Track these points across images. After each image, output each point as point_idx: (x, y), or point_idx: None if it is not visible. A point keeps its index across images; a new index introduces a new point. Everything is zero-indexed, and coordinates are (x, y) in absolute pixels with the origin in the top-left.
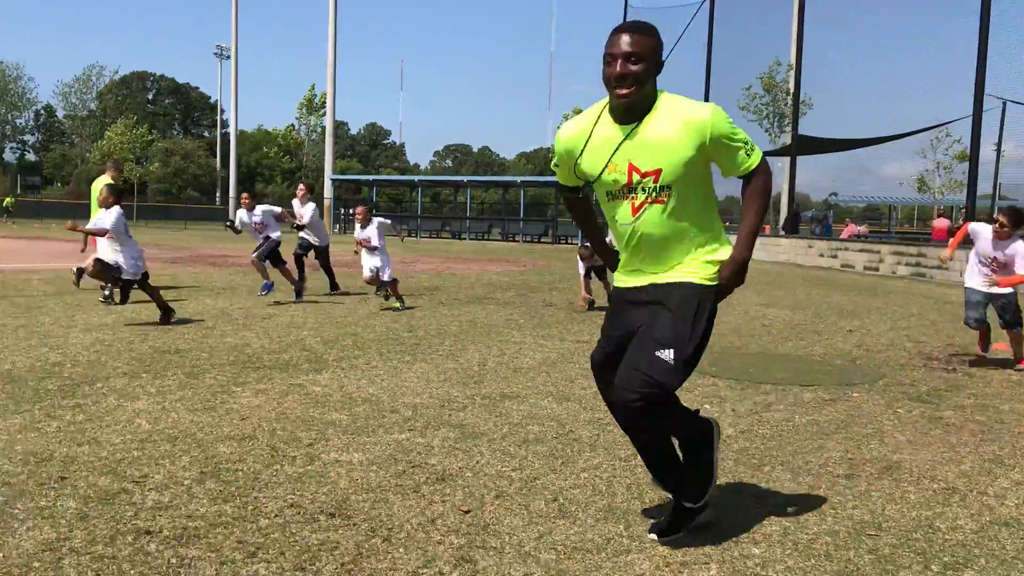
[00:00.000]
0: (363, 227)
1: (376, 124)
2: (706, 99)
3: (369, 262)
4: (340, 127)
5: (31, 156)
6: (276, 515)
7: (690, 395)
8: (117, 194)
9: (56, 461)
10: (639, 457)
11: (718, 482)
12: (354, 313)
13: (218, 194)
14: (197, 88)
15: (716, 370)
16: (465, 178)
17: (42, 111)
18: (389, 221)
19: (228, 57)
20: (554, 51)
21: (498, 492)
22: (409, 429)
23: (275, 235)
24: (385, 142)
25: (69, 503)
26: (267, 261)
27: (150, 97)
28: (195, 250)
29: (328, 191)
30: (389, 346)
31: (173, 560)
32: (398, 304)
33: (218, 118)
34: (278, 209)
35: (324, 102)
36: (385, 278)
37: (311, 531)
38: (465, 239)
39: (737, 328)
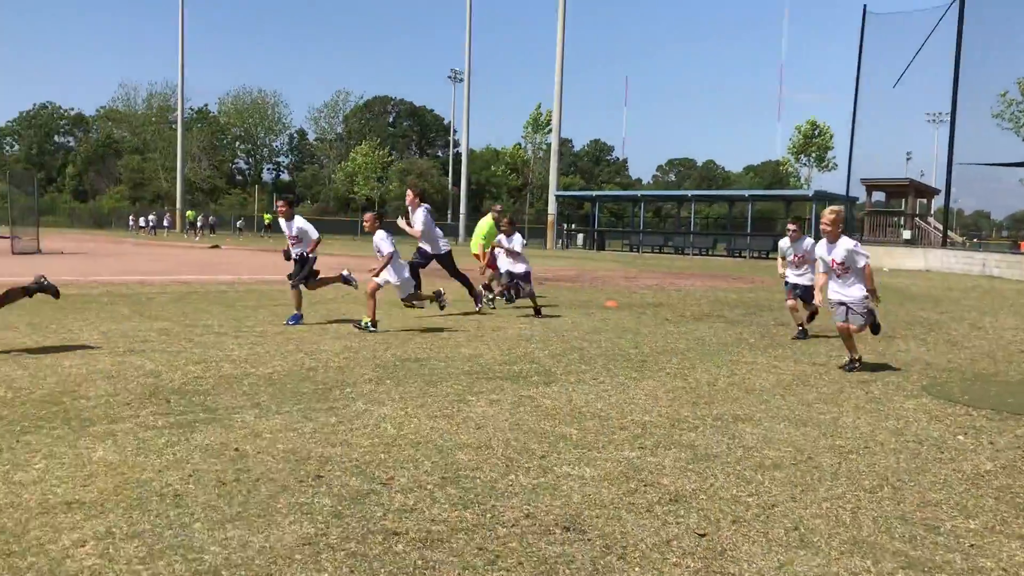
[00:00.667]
0: (508, 236)
1: (599, 140)
2: (953, 109)
3: (506, 265)
4: (565, 144)
5: (285, 176)
6: (513, 524)
7: (941, 425)
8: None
9: (313, 460)
10: (885, 488)
11: (975, 522)
12: (579, 327)
13: (449, 211)
14: (432, 110)
15: (969, 399)
16: (689, 192)
17: (295, 134)
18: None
19: (461, 80)
20: (784, 60)
21: (735, 517)
22: (639, 447)
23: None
24: (608, 158)
25: (325, 500)
26: (303, 285)
27: (390, 120)
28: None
29: (552, 207)
30: (616, 362)
31: (419, 562)
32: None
33: (451, 138)
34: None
35: (549, 120)
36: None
37: (547, 543)
38: (688, 254)
39: (991, 353)
